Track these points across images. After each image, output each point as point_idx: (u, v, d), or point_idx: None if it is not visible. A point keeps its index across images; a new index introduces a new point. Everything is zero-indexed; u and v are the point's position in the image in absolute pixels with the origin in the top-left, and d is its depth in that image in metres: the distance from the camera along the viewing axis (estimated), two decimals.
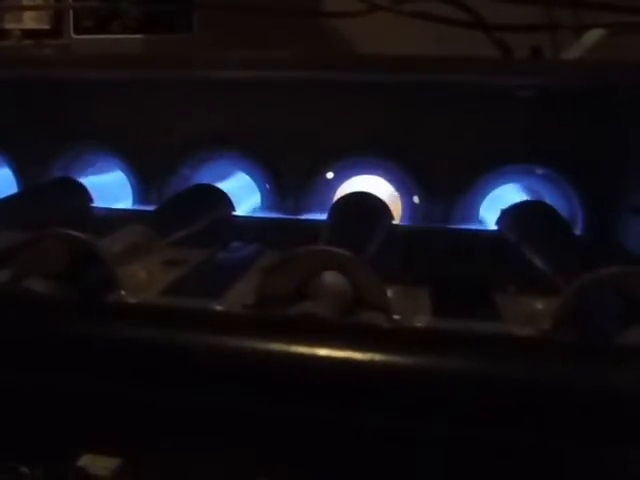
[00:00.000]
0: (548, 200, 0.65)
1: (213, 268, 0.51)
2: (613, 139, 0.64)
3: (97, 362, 0.33)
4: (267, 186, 0.71)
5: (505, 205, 0.63)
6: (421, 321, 0.40)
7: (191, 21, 0.71)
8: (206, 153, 0.72)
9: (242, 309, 0.40)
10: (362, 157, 0.70)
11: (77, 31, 0.71)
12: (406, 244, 0.59)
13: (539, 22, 0.60)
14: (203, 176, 0.71)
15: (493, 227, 0.63)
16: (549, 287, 0.44)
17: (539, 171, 0.67)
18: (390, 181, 0.69)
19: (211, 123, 0.72)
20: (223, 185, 0.68)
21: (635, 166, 0.62)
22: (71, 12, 0.70)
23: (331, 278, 0.40)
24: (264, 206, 0.71)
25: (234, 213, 0.67)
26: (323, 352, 0.30)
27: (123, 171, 0.74)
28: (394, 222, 0.64)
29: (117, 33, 0.70)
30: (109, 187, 0.73)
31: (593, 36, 0.59)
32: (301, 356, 0.31)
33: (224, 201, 0.66)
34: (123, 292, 0.42)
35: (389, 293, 0.40)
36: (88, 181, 0.71)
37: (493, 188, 0.68)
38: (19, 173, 0.75)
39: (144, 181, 0.73)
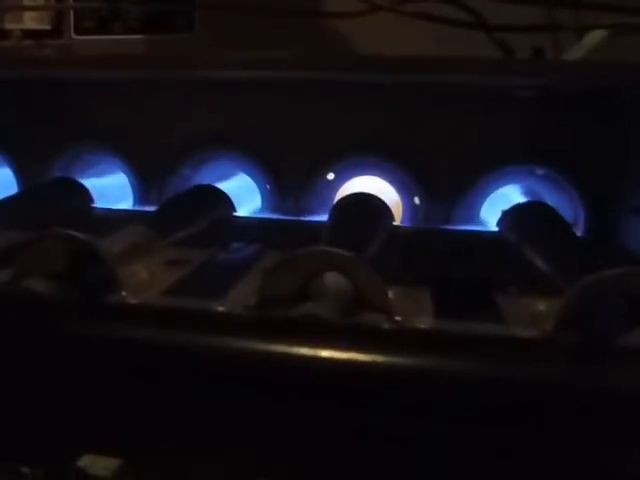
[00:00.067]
0: (549, 201, 0.65)
1: (214, 269, 0.51)
2: (614, 139, 0.64)
3: (98, 362, 0.33)
4: (268, 187, 0.71)
5: (506, 206, 0.63)
6: (423, 322, 0.40)
7: (192, 21, 0.71)
8: (206, 153, 0.72)
9: (243, 310, 0.40)
10: (363, 158, 0.70)
11: (78, 31, 0.71)
12: (407, 245, 0.59)
13: (540, 23, 0.60)
14: (203, 176, 0.71)
15: (494, 228, 0.63)
16: (550, 288, 0.44)
17: (540, 172, 0.66)
18: (391, 182, 0.69)
19: (211, 123, 0.72)
20: (223, 185, 0.68)
21: (636, 166, 0.62)
22: (72, 12, 0.70)
23: (332, 279, 0.39)
24: (265, 207, 0.71)
25: (235, 214, 0.67)
26: (325, 353, 0.30)
27: (123, 171, 0.74)
28: (395, 223, 0.64)
29: (118, 33, 0.70)
30: (109, 187, 0.73)
31: (594, 37, 0.59)
32: (302, 357, 0.31)
33: (225, 201, 0.66)
34: (124, 292, 0.42)
35: (390, 294, 0.40)
36: (88, 181, 0.71)
37: (494, 189, 0.68)
38: (19, 173, 0.75)
39: (144, 181, 0.73)
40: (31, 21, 0.71)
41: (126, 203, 0.73)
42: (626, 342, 0.36)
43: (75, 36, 0.71)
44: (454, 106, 0.67)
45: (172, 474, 0.36)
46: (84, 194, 0.70)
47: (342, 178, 0.70)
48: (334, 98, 0.68)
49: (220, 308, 0.41)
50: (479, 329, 0.39)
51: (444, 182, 0.68)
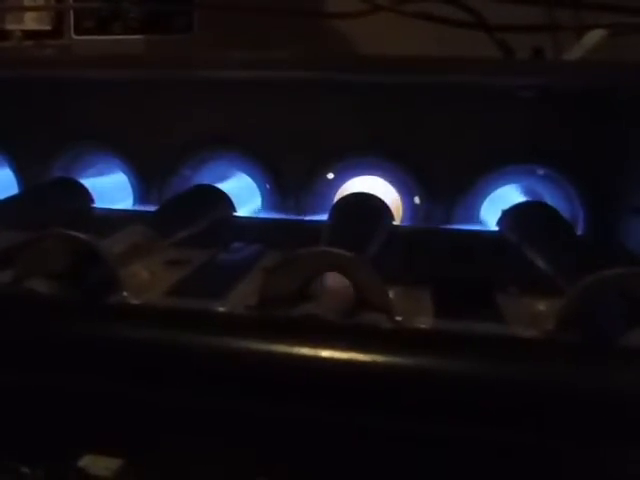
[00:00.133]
0: (549, 201, 0.65)
1: (215, 269, 0.51)
2: (614, 139, 0.64)
3: (99, 362, 0.33)
4: (268, 187, 0.71)
5: (506, 206, 0.63)
6: (423, 322, 0.40)
7: (191, 21, 0.71)
8: (206, 153, 0.72)
9: (244, 310, 0.40)
10: (363, 158, 0.70)
11: (78, 32, 0.71)
12: (407, 245, 0.59)
13: (540, 23, 0.60)
14: (204, 177, 0.71)
15: (494, 228, 0.63)
16: (551, 288, 0.44)
17: (540, 172, 0.66)
18: (391, 182, 0.69)
19: (211, 123, 0.72)
20: (224, 186, 0.68)
21: (636, 166, 0.62)
22: (72, 13, 0.70)
23: (333, 279, 0.40)
24: (265, 207, 0.71)
25: (235, 214, 0.67)
26: (325, 353, 0.30)
27: (123, 171, 0.74)
28: (395, 223, 0.64)
29: (118, 34, 0.70)
30: (109, 188, 0.73)
31: (594, 36, 0.59)
32: (303, 357, 0.31)
33: (225, 202, 0.66)
34: (125, 293, 0.42)
35: (391, 294, 0.40)
36: (88, 182, 0.71)
37: (494, 189, 0.68)
38: (19, 173, 0.75)
39: (144, 181, 0.73)
40: (31, 21, 0.71)
41: (126, 203, 0.73)
42: (626, 342, 0.36)
43: (75, 36, 0.71)
44: (454, 106, 0.67)
45: (173, 474, 0.36)
46: (84, 194, 0.70)
47: (342, 178, 0.70)
48: (334, 98, 0.68)
49: (221, 308, 0.41)
50: (479, 329, 0.39)
51: (444, 182, 0.68)
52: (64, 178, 0.71)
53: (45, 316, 0.35)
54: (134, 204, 0.73)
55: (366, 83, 0.66)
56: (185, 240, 0.55)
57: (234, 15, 0.68)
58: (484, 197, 0.68)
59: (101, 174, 0.74)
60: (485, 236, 0.63)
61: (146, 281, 0.45)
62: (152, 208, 0.66)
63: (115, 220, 0.63)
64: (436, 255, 0.56)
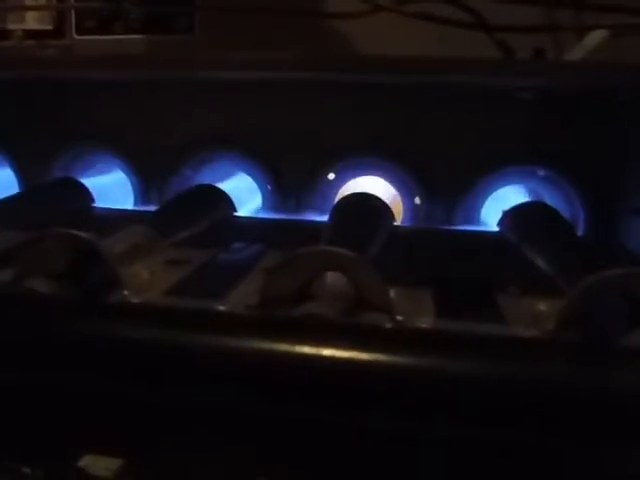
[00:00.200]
0: (549, 201, 0.65)
1: (215, 269, 0.51)
2: (614, 140, 0.64)
3: (99, 362, 0.33)
4: (268, 187, 0.71)
5: (506, 206, 0.63)
6: (424, 322, 0.39)
7: (192, 22, 0.71)
8: (207, 154, 0.72)
9: (245, 310, 0.40)
10: (363, 158, 0.70)
11: (79, 32, 0.71)
12: (408, 245, 0.59)
13: (541, 23, 0.60)
14: (204, 177, 0.71)
15: (495, 228, 0.63)
16: (552, 288, 0.44)
17: (540, 172, 0.66)
18: (391, 182, 0.69)
19: (212, 124, 0.72)
20: (224, 186, 0.68)
21: (636, 167, 0.62)
22: (73, 13, 0.70)
23: (334, 279, 0.39)
24: (265, 207, 0.71)
25: (235, 214, 0.67)
26: (327, 352, 0.30)
27: (124, 172, 0.74)
28: (396, 223, 0.64)
29: (119, 34, 0.70)
30: (110, 188, 0.73)
31: (595, 37, 0.59)
32: (304, 356, 0.31)
33: (225, 202, 0.66)
34: (126, 292, 0.42)
35: (391, 294, 0.40)
36: (89, 182, 0.71)
37: (494, 189, 0.68)
38: (20, 173, 0.75)
39: (145, 182, 0.73)
40: (33, 21, 0.71)
41: (126, 203, 0.73)
42: (627, 342, 0.36)
43: (76, 36, 0.71)
44: (455, 106, 0.67)
45: (172, 474, 0.36)
46: (85, 194, 0.70)
47: (343, 178, 0.70)
48: (334, 98, 0.68)
49: (221, 308, 0.41)
50: (480, 329, 0.39)
51: (445, 182, 0.68)
52: (65, 178, 0.72)
53: (45, 315, 0.35)
54: (134, 204, 0.73)
55: (366, 83, 0.66)
56: (186, 240, 0.55)
57: (235, 16, 0.68)
58: (485, 198, 0.68)
59: (101, 174, 0.74)
60: (486, 236, 0.63)
61: (146, 281, 0.45)
62: (152, 208, 0.66)
63: (115, 220, 0.63)
64: (437, 255, 0.56)
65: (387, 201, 0.64)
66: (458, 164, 0.67)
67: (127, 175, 0.74)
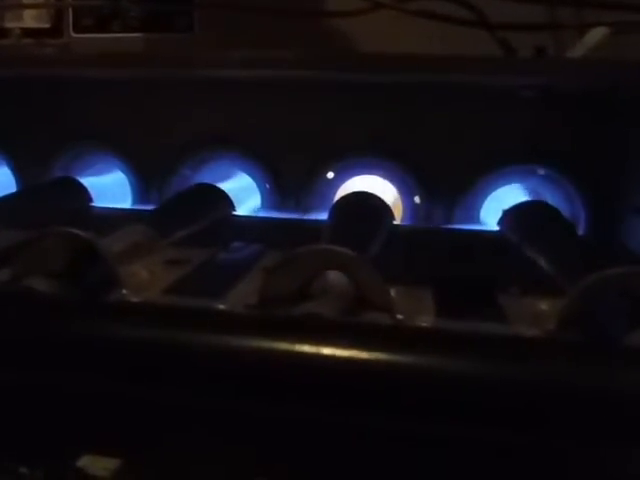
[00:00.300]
0: (550, 201, 0.65)
1: (214, 268, 0.51)
2: (615, 139, 0.64)
3: (98, 361, 0.33)
4: (267, 186, 0.71)
5: (507, 206, 0.63)
6: (425, 321, 0.39)
7: (192, 21, 0.71)
8: (206, 153, 0.72)
9: (244, 309, 0.40)
10: (363, 157, 0.69)
11: (77, 30, 0.71)
12: (408, 244, 0.59)
13: (542, 21, 0.60)
14: (203, 176, 0.71)
15: (495, 228, 0.63)
16: (552, 288, 0.44)
17: (541, 172, 0.66)
18: (391, 181, 0.69)
19: (211, 123, 0.72)
20: (223, 185, 0.68)
21: (637, 166, 0.62)
22: (71, 11, 0.70)
23: (334, 278, 0.39)
24: (264, 206, 0.71)
25: (235, 213, 0.67)
26: (327, 351, 0.30)
27: (123, 171, 0.74)
28: (395, 222, 0.64)
29: (117, 32, 0.70)
30: (109, 187, 0.73)
31: (596, 35, 0.58)
32: (304, 356, 0.30)
33: (224, 201, 0.66)
34: (124, 291, 0.42)
35: (392, 293, 0.40)
36: (88, 181, 0.71)
37: (494, 189, 0.68)
38: (18, 172, 0.75)
39: (144, 181, 0.73)
40: (30, 19, 0.71)
41: (125, 203, 0.73)
42: (628, 341, 0.36)
43: (74, 34, 0.71)
44: (455, 105, 0.67)
45: (172, 474, 0.36)
46: (83, 194, 0.69)
47: (342, 177, 0.69)
48: (334, 97, 0.68)
49: (221, 307, 0.41)
50: (481, 328, 0.39)
51: (445, 182, 0.68)
52: (63, 177, 0.71)
53: (44, 314, 0.35)
54: (133, 204, 0.73)
55: (366, 82, 0.66)
56: (185, 239, 0.54)
57: (235, 15, 0.68)
58: (485, 197, 0.68)
59: (101, 174, 0.74)
60: (486, 236, 0.63)
61: (145, 280, 0.45)
62: (151, 208, 0.65)
63: (114, 219, 0.63)
64: (437, 255, 0.56)
65: (387, 200, 0.63)
66: (458, 163, 0.67)
67: (126, 175, 0.74)
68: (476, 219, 0.67)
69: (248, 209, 0.69)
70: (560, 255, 0.49)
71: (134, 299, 0.42)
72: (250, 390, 0.31)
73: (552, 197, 0.66)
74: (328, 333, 0.31)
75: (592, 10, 0.57)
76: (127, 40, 0.70)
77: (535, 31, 0.59)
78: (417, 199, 0.68)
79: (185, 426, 0.35)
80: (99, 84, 0.70)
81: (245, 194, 0.70)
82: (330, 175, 0.69)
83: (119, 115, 0.73)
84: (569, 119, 0.65)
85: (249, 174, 0.72)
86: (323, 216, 0.61)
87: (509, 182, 0.68)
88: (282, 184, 0.70)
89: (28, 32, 0.71)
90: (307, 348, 0.30)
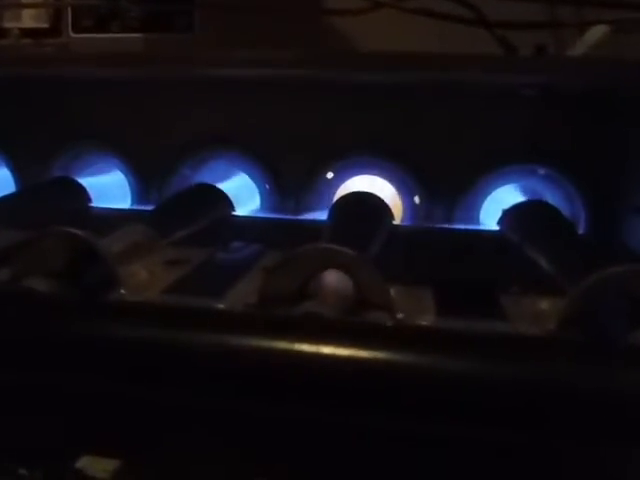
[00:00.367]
0: (550, 201, 0.65)
1: (214, 268, 0.51)
2: (615, 139, 0.64)
3: (97, 361, 0.33)
4: (267, 186, 0.71)
5: (506, 206, 0.63)
6: (425, 321, 0.39)
7: (192, 21, 0.71)
8: (206, 153, 0.72)
9: (244, 308, 0.40)
10: (362, 157, 0.69)
11: (76, 30, 0.71)
12: (408, 244, 0.59)
13: (542, 19, 0.60)
14: (203, 176, 0.71)
15: (495, 227, 0.63)
16: (553, 287, 0.44)
17: (541, 171, 0.66)
18: (390, 181, 0.69)
19: (211, 123, 0.72)
20: (223, 185, 0.68)
21: (637, 166, 0.62)
22: (70, 11, 0.70)
23: (334, 278, 0.39)
24: (264, 206, 0.71)
25: (234, 213, 0.66)
26: (327, 350, 0.30)
27: (122, 171, 0.73)
28: (395, 222, 0.64)
29: (117, 32, 0.70)
30: (108, 187, 0.73)
31: (596, 33, 0.58)
32: (304, 355, 0.30)
33: (224, 201, 0.66)
34: (124, 291, 0.42)
35: (392, 293, 0.40)
36: (87, 181, 0.71)
37: (494, 188, 0.67)
38: (17, 173, 0.74)
39: (143, 181, 0.73)
40: (29, 19, 0.70)
41: (124, 203, 0.73)
42: (630, 341, 0.36)
43: (73, 34, 0.71)
44: (454, 105, 0.66)
45: (171, 475, 0.35)
46: (82, 194, 0.69)
47: (342, 177, 0.69)
48: (334, 98, 0.68)
49: (220, 306, 0.41)
50: (481, 328, 0.39)
51: (444, 181, 0.67)
52: (61, 177, 0.71)
53: (43, 314, 0.35)
54: (132, 204, 0.73)
55: (366, 82, 0.65)
56: (184, 239, 0.54)
57: (235, 14, 0.68)
58: (484, 197, 0.67)
59: (100, 174, 0.74)
60: (486, 235, 0.63)
61: (145, 280, 0.45)
62: (150, 208, 0.65)
63: (113, 219, 0.63)
64: (437, 255, 0.56)
65: (386, 200, 0.63)
66: (458, 163, 0.67)
67: (125, 175, 0.73)
68: (476, 219, 0.67)
69: (247, 209, 0.69)
70: (560, 255, 0.49)
71: (133, 299, 0.41)
72: (250, 389, 0.31)
73: (552, 197, 0.66)
74: (328, 332, 0.31)
75: (592, 8, 0.57)
76: (126, 40, 0.70)
77: (535, 29, 0.59)
78: (417, 199, 0.68)
79: (185, 426, 0.35)
80: (98, 84, 0.70)
81: (244, 194, 0.70)
82: (330, 175, 0.69)
83: (118, 115, 0.72)
84: (569, 119, 0.65)
85: (249, 174, 0.72)
86: (323, 216, 0.61)
87: (509, 182, 0.67)
88: (282, 184, 0.70)
89: (27, 32, 0.71)
90: (307, 347, 0.30)
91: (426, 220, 0.68)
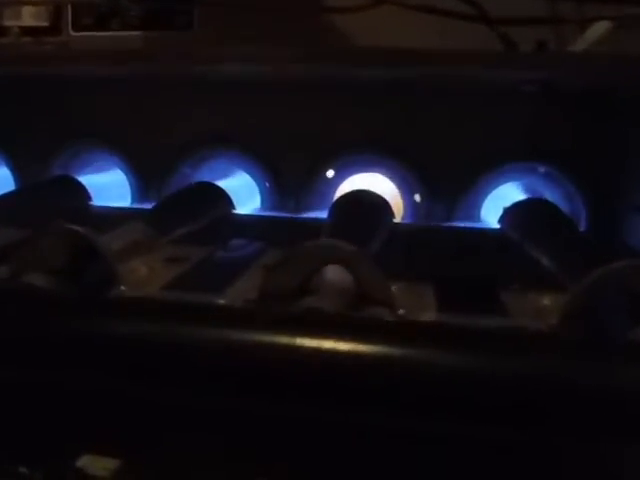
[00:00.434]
0: (550, 199, 0.65)
1: (214, 266, 0.51)
2: (615, 137, 0.64)
3: (97, 358, 0.33)
4: (267, 185, 0.71)
5: (507, 204, 0.63)
6: (426, 317, 0.39)
7: (191, 19, 0.71)
8: (206, 152, 0.72)
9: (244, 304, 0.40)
10: (363, 155, 0.69)
11: (76, 28, 0.71)
12: (408, 242, 0.59)
13: (543, 15, 0.60)
14: (203, 175, 0.71)
15: (495, 225, 0.62)
16: (554, 284, 0.44)
17: (541, 169, 0.66)
18: (391, 179, 0.69)
19: (211, 122, 0.72)
20: (223, 184, 0.68)
21: (637, 164, 0.62)
22: (69, 9, 0.70)
23: (334, 274, 0.39)
24: (264, 205, 0.71)
25: (234, 211, 0.66)
26: (328, 345, 0.30)
27: (122, 170, 0.73)
28: (396, 220, 0.64)
29: (116, 30, 0.70)
30: (108, 186, 0.73)
31: (598, 29, 0.58)
32: (305, 350, 0.30)
33: (224, 199, 0.66)
34: (123, 288, 0.42)
35: (393, 289, 0.40)
36: (87, 180, 0.71)
37: (495, 186, 0.67)
38: (18, 171, 0.74)
39: (143, 180, 0.73)
40: (29, 18, 0.70)
41: (124, 202, 0.73)
42: (631, 336, 0.35)
43: (73, 33, 0.71)
44: (455, 103, 0.66)
45: (171, 474, 0.35)
46: (82, 192, 0.69)
47: (342, 175, 0.69)
48: (334, 96, 0.68)
49: (221, 302, 0.40)
50: (483, 324, 0.38)
51: (445, 180, 0.67)
52: (61, 176, 0.71)
53: (43, 311, 0.35)
54: (132, 203, 0.73)
55: (366, 80, 0.65)
56: (184, 237, 0.54)
57: (234, 12, 0.68)
58: (485, 195, 0.67)
59: (100, 172, 0.74)
60: (487, 233, 0.63)
61: (145, 277, 0.45)
62: (150, 206, 0.65)
63: (113, 218, 0.62)
64: (438, 253, 0.56)
65: (387, 198, 0.63)
66: (458, 161, 0.67)
67: (125, 173, 0.73)
68: (477, 217, 0.67)
69: (247, 208, 0.69)
70: (561, 252, 0.49)
71: (133, 295, 0.41)
72: (250, 386, 0.31)
73: (552, 195, 0.66)
74: (328, 327, 0.31)
75: (593, 4, 0.57)
76: (126, 38, 0.70)
77: (536, 25, 0.59)
78: (417, 197, 0.68)
79: (186, 425, 0.35)
80: (98, 82, 0.70)
81: (244, 193, 0.70)
82: (330, 173, 0.69)
83: (118, 113, 0.72)
84: (570, 116, 0.65)
85: (249, 173, 0.71)
86: (323, 215, 0.61)
87: (509, 180, 0.67)
88: (282, 182, 0.70)
89: (27, 30, 0.71)
90: (307, 342, 0.30)
91: (427, 218, 0.67)
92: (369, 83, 0.66)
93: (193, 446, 0.35)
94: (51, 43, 0.69)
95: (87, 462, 0.34)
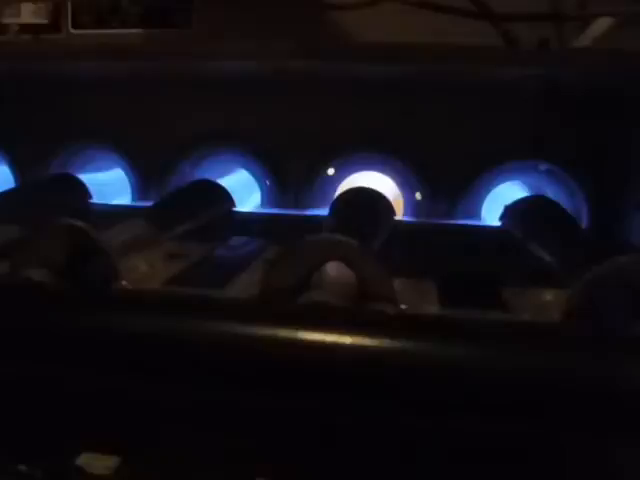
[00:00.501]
0: (552, 196, 0.65)
1: (215, 262, 0.51)
2: (617, 136, 0.64)
3: (97, 354, 0.33)
4: (267, 183, 0.71)
5: (508, 202, 0.63)
6: (429, 311, 0.39)
7: (191, 16, 0.71)
8: (206, 150, 0.72)
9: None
10: (363, 153, 0.69)
11: (75, 26, 0.70)
12: (409, 240, 0.59)
13: (545, 12, 0.60)
14: (203, 173, 0.71)
15: (497, 223, 0.62)
16: (555, 282, 0.44)
17: (543, 167, 0.66)
18: (392, 177, 0.69)
19: (211, 119, 0.71)
20: (223, 181, 0.68)
21: (639, 162, 0.62)
22: (69, 6, 0.70)
23: (336, 270, 0.39)
24: (264, 203, 0.71)
25: (234, 208, 0.66)
26: (330, 339, 0.30)
27: (122, 168, 0.73)
28: (396, 218, 0.64)
29: (116, 28, 0.70)
30: (108, 184, 0.73)
31: (600, 26, 0.58)
32: (306, 343, 0.30)
33: (224, 196, 0.66)
34: (124, 283, 0.42)
35: (395, 285, 0.40)
36: (87, 178, 0.71)
37: (496, 184, 0.67)
38: (17, 169, 0.74)
39: (144, 178, 0.73)
40: (28, 15, 0.70)
41: (124, 200, 0.73)
42: (633, 332, 0.35)
43: (73, 30, 0.70)
44: (456, 101, 0.66)
45: (172, 472, 0.35)
46: (82, 191, 0.69)
47: (343, 173, 0.69)
48: (335, 94, 0.68)
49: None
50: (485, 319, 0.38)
51: (446, 178, 0.67)
52: (62, 174, 0.71)
53: (43, 307, 0.35)
54: (132, 201, 0.73)
55: (366, 77, 0.65)
56: (185, 235, 0.54)
57: (234, 9, 0.67)
58: (486, 193, 0.67)
59: (100, 170, 0.74)
60: (488, 231, 0.63)
61: (145, 274, 0.45)
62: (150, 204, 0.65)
63: (113, 215, 0.62)
64: (440, 250, 0.56)
65: (388, 196, 0.63)
66: (459, 159, 0.67)
67: (125, 171, 0.73)
68: (477, 215, 0.67)
69: (248, 206, 0.69)
70: (562, 249, 0.49)
71: (134, 289, 0.41)
72: (251, 378, 0.31)
73: (554, 193, 0.66)
74: (331, 321, 0.31)
75: (596, 1, 0.57)
76: (126, 36, 0.69)
77: (538, 22, 0.59)
78: (418, 195, 0.68)
79: (185, 424, 0.35)
80: (98, 80, 0.70)
81: (245, 191, 0.70)
82: (330, 171, 0.69)
83: (118, 111, 0.72)
84: (572, 114, 0.65)
85: (249, 170, 0.71)
86: (323, 212, 0.61)
87: (511, 178, 0.67)
88: (282, 180, 0.70)
89: (26, 28, 0.71)
90: (309, 335, 0.30)
91: (428, 216, 0.67)
92: (370, 80, 0.66)
93: (193, 444, 0.35)
94: (50, 40, 0.69)
95: (87, 460, 0.34)
